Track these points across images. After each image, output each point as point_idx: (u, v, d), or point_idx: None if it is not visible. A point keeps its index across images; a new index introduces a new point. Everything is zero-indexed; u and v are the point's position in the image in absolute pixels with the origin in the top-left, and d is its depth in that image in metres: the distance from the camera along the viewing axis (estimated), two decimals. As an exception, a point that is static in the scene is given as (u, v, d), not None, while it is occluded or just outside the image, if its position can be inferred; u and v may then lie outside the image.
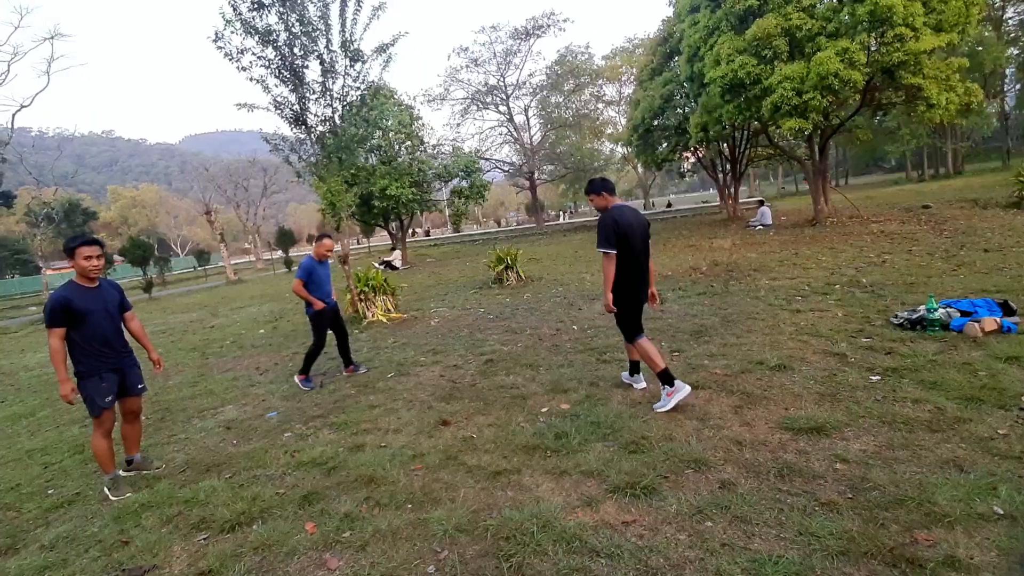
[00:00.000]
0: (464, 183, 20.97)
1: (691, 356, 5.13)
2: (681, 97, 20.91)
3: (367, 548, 2.74)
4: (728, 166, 22.04)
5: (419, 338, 7.44)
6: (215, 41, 7.81)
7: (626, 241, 3.96)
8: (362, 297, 9.01)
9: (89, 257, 3.68)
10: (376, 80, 9.06)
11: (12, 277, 38.20)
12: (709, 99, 15.65)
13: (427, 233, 55.01)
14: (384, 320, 8.72)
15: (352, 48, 8.59)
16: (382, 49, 8.88)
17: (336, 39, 8.45)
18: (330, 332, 5.97)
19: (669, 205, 42.44)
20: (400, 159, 19.59)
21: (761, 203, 17.99)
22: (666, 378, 3.94)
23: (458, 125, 32.54)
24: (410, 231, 26.61)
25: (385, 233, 25.13)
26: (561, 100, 33.75)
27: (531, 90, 33.64)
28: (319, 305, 5.74)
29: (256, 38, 7.87)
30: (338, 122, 8.70)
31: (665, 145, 21.85)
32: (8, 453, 5.04)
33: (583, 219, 48.23)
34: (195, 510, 3.39)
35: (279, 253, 30.87)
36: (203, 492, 3.60)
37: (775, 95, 12.50)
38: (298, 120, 8.33)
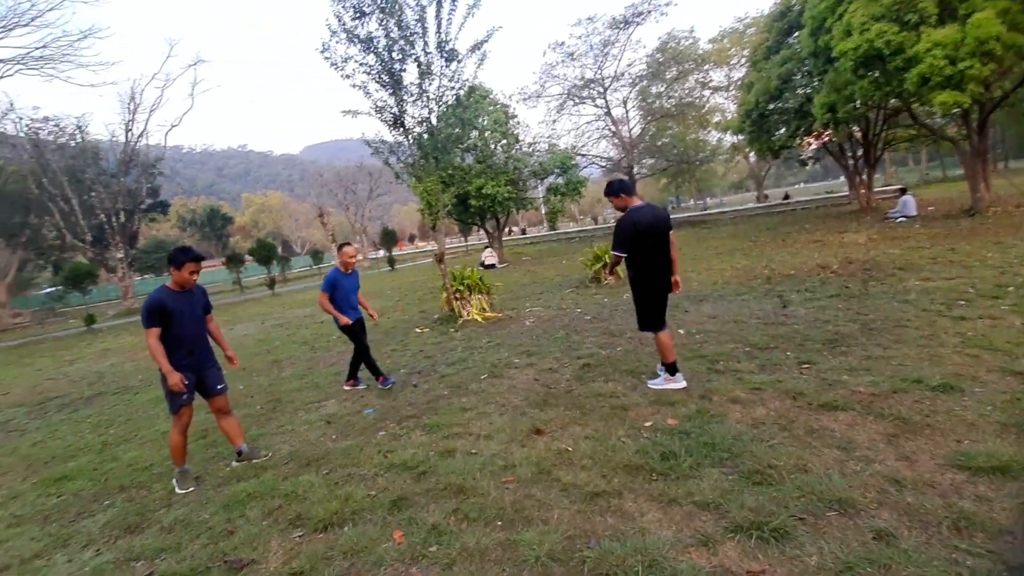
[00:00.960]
0: (560, 180, 20.66)
1: (825, 370, 4.40)
2: (802, 76, 18.89)
3: (454, 567, 2.55)
4: (860, 151, 19.55)
5: (513, 338, 7.27)
6: (322, 52, 8.22)
7: (644, 239, 4.24)
8: (457, 296, 9.05)
9: (194, 272, 3.99)
10: (471, 78, 9.04)
11: (168, 274, 44.19)
12: (838, 75, 13.90)
13: (523, 231, 55.36)
14: (479, 319, 8.68)
15: (447, 48, 8.64)
16: (477, 46, 8.84)
17: (432, 40, 8.55)
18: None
19: (787, 197, 38.82)
20: (496, 158, 19.73)
21: (903, 191, 15.71)
22: (672, 369, 4.45)
23: (554, 122, 32.02)
24: (506, 229, 26.80)
25: (483, 232, 25.54)
26: (663, 89, 32.16)
27: (630, 81, 32.42)
28: (344, 320, 5.60)
29: (358, 46, 8.19)
30: (434, 123, 8.80)
31: (783, 130, 19.88)
32: (148, 434, 5.59)
33: (686, 214, 45.77)
34: (294, 505, 3.44)
35: (383, 252, 32.73)
36: (302, 487, 3.66)
37: (922, 65, 10.74)
38: (396, 122, 8.54)
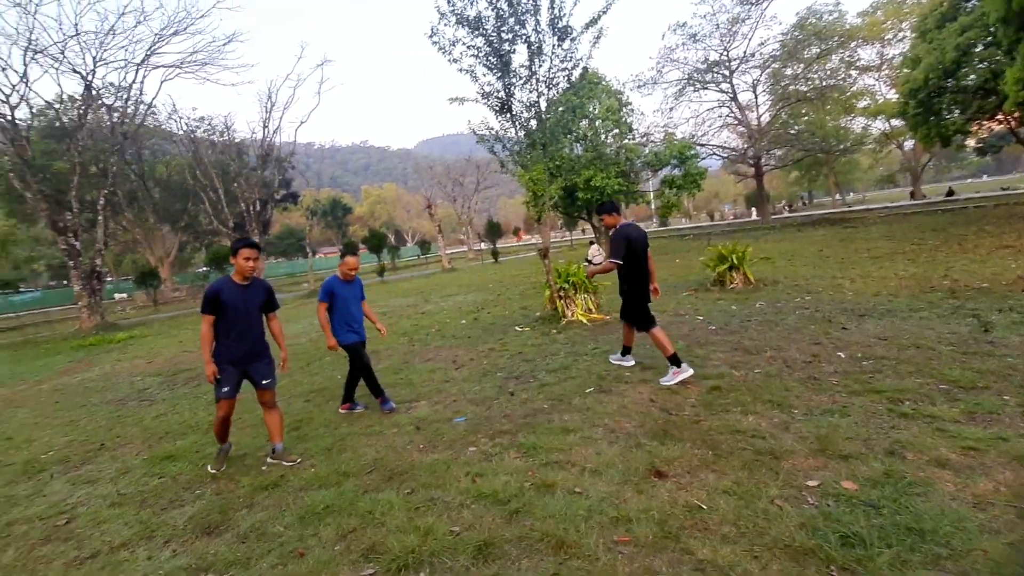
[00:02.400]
0: (677, 171, 19.10)
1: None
2: (986, 47, 15.58)
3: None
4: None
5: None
6: (430, 36, 7.94)
7: (634, 252, 5.07)
8: (561, 294, 8.37)
9: (248, 258, 3.92)
10: (585, 57, 8.26)
11: (297, 259, 48.71)
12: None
13: (631, 227, 53.00)
14: (584, 320, 7.95)
15: (560, 25, 7.96)
16: (593, 21, 8.06)
17: (544, 17, 7.93)
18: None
19: (950, 193, 33.07)
20: (607, 148, 18.68)
21: None
22: (675, 360, 4.77)
23: (671, 109, 29.87)
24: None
25: (588, 226, 24.62)
26: (799, 71, 28.70)
27: (761, 62, 29.36)
28: (332, 343, 4.88)
29: (466, 27, 7.80)
30: (543, 108, 8.17)
31: (957, 113, 16.59)
32: (250, 418, 5.59)
33: (821, 211, 40.89)
34: (369, 531, 3.01)
35: (487, 244, 33.05)
36: (380, 507, 3.23)
37: None
38: (503, 108, 8.03)
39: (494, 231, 31.33)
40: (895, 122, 34.82)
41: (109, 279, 35.26)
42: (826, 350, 5.24)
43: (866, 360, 4.81)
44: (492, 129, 8.37)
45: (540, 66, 8.15)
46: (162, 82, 38.88)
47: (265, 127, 22.07)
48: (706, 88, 30.46)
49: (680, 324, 7.26)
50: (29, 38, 15.05)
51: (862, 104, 33.07)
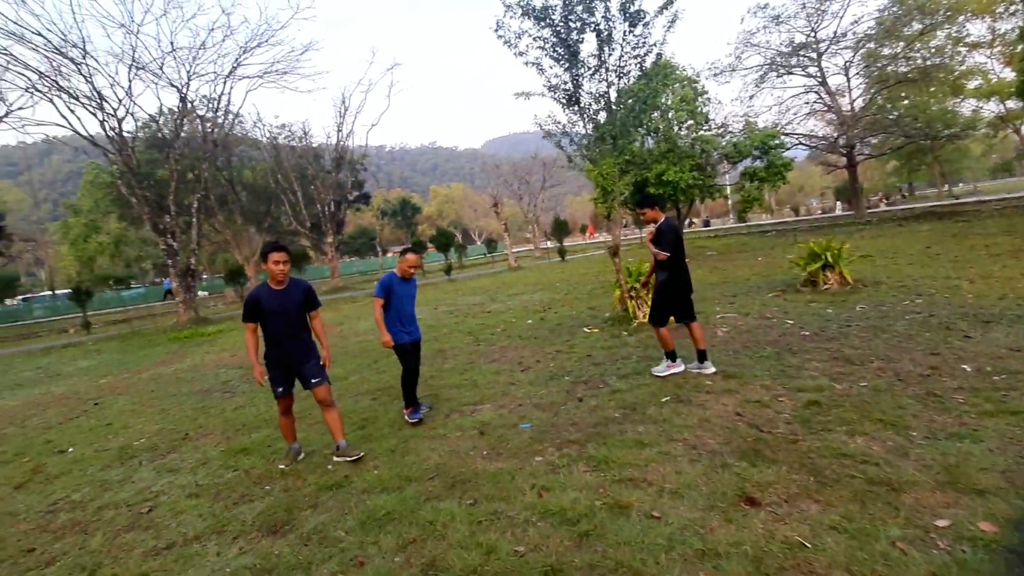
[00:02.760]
0: (758, 163, 17.86)
1: None
2: None
3: None
4: None
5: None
6: (496, 30, 7.76)
7: (678, 244, 5.13)
8: (632, 294, 7.95)
9: (277, 262, 3.93)
10: (659, 43, 7.77)
11: (369, 257, 50.67)
12: None
13: (706, 223, 50.72)
14: (656, 322, 7.48)
15: (632, 9, 7.54)
16: (667, 4, 7.57)
17: (615, 2, 7.53)
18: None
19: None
20: (681, 140, 17.79)
21: None
22: (672, 356, 5.20)
23: (751, 97, 27.94)
24: (687, 221, 24.51)
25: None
26: (898, 50, 26.05)
27: (854, 42, 26.87)
28: (387, 341, 4.73)
29: (532, 18, 7.55)
30: (613, 99, 7.78)
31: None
32: (317, 415, 5.68)
33: (926, 203, 37.03)
34: (430, 543, 2.86)
35: (552, 243, 32.71)
36: (442, 518, 3.07)
37: None
38: (571, 100, 7.73)
39: (561, 229, 30.91)
40: (1011, 103, 30.89)
41: (204, 277, 38.41)
42: (947, 362, 4.53)
43: (997, 375, 4.10)
44: (559, 123, 8.09)
45: (610, 55, 7.78)
46: (247, 92, 42.27)
47: (339, 131, 23.10)
48: (791, 73, 28.32)
49: (767, 328, 6.65)
50: (133, 56, 16.55)
51: (972, 84, 29.51)
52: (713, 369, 5.10)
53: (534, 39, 7.69)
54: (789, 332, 6.28)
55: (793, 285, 9.10)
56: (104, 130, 16.03)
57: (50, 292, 46.75)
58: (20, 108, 17.50)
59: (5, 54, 14.88)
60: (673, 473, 3.24)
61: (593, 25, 7.63)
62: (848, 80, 28.43)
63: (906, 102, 27.14)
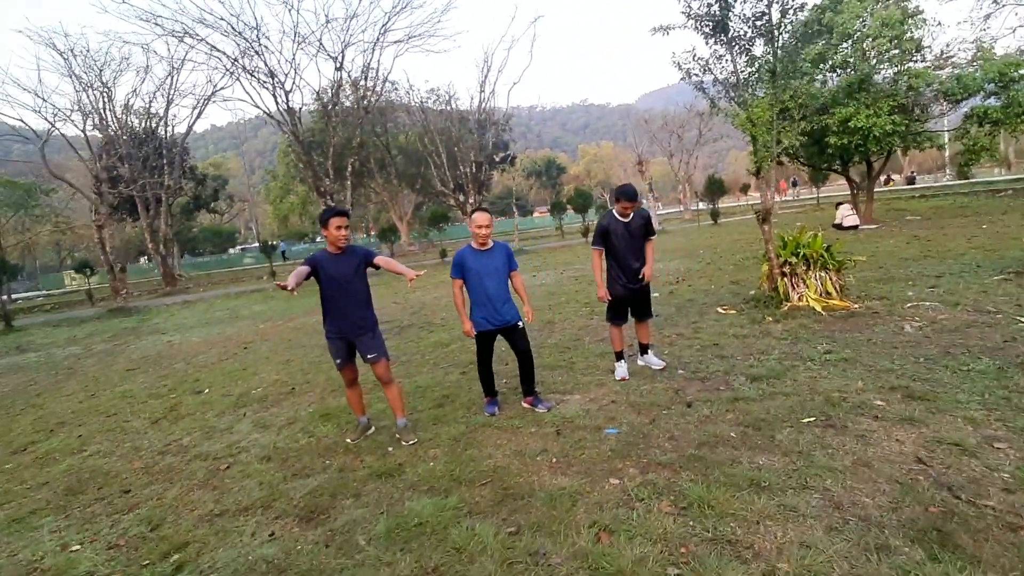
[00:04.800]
0: (993, 101, 13.59)
1: None
2: None
3: None
4: None
5: (876, 352, 4.48)
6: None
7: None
8: (786, 270, 6.39)
9: (340, 227, 3.68)
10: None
11: (510, 217, 51.32)
12: None
13: (910, 180, 41.52)
14: (817, 308, 5.92)
15: None
16: None
17: None
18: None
19: None
20: (880, 76, 14.22)
21: None
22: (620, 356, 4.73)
23: (987, 17, 21.29)
24: (881, 178, 20.12)
25: (843, 181, 19.82)
26: None
27: None
28: (466, 330, 4.07)
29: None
30: (775, 20, 6.04)
31: None
32: (406, 384, 5.49)
33: None
34: (455, 568, 2.32)
35: (708, 204, 29.45)
36: (473, 545, 2.52)
37: None
38: (717, 27, 6.17)
39: (715, 189, 27.61)
40: None
41: (367, 235, 42.62)
42: None
43: None
44: (701, 59, 6.62)
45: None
46: (394, 58, 44.19)
47: (481, 91, 23.06)
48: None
49: (986, 328, 4.77)
50: (295, 30, 18.02)
51: None
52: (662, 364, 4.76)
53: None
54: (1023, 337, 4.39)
55: (1037, 266, 6.56)
56: (276, 103, 18.09)
57: (257, 244, 56.24)
58: (223, 88, 20.42)
59: (206, 43, 17.45)
60: (797, 545, 2.23)
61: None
62: None
63: None
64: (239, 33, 17.26)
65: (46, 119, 18.16)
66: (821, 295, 6.16)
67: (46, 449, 4.81)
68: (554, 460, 3.32)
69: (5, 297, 24.23)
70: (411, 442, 3.82)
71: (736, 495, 2.63)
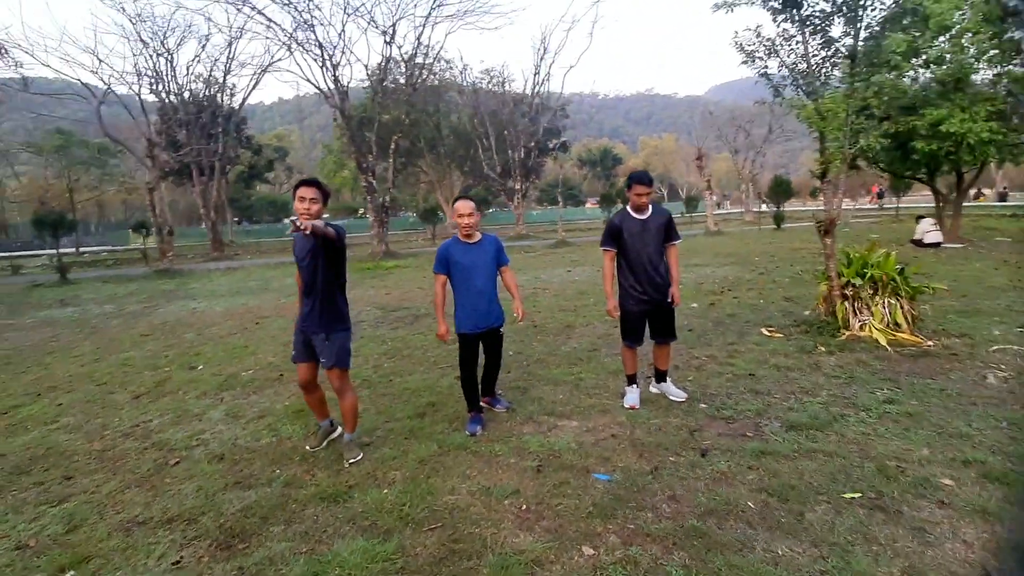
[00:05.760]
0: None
1: None
2: None
3: None
4: None
5: (949, 408, 3.61)
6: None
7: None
8: (848, 293, 5.47)
9: (303, 199, 3.08)
10: None
11: (567, 207, 50.28)
12: None
13: (1001, 197, 37.48)
14: (882, 342, 4.99)
15: None
16: None
17: None
18: None
19: None
20: (979, 76, 12.49)
21: None
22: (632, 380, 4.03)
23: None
24: (971, 191, 18.05)
25: (928, 191, 17.88)
26: None
27: None
28: (440, 333, 3.71)
29: None
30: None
31: None
32: (384, 387, 5.02)
33: None
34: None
35: (769, 206, 27.52)
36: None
37: None
38: (788, 2, 5.25)
39: (781, 190, 25.65)
40: None
41: (410, 214, 42.75)
42: None
43: None
44: (767, 41, 5.69)
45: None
46: (447, 34, 43.47)
47: (536, 74, 22.24)
48: None
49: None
50: (345, 1, 17.73)
51: None
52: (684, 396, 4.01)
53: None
54: None
55: None
56: (324, 78, 18.04)
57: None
58: (279, 60, 20.60)
59: (263, 15, 17.56)
60: None
61: None
62: None
63: None
64: (291, 3, 17.24)
65: (103, 80, 18.76)
66: (888, 326, 5.21)
67: (23, 416, 4.67)
68: (524, 507, 2.75)
69: (73, 249, 25.91)
70: (353, 459, 3.33)
71: (740, 602, 1.97)
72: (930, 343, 4.99)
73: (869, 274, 5.38)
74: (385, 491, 2.99)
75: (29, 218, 24.24)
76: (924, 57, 12.94)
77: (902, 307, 5.26)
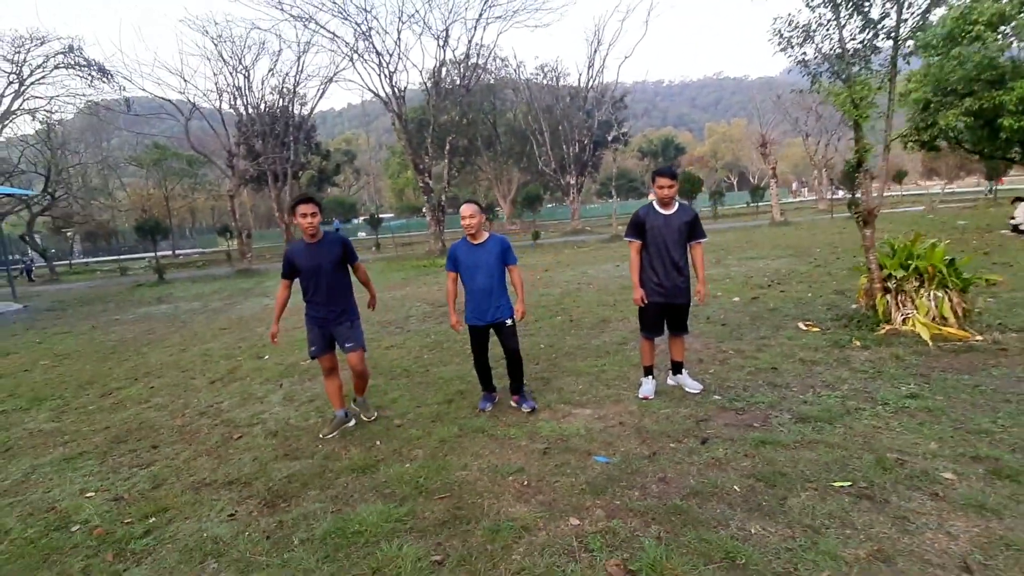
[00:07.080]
0: None
1: None
2: None
3: None
4: None
5: (977, 404, 3.50)
6: None
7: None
8: (890, 286, 5.27)
9: (304, 215, 3.61)
10: None
11: (628, 200, 49.32)
12: None
13: None
14: (924, 336, 4.79)
15: None
16: None
17: None
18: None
19: None
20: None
21: None
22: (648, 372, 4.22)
23: None
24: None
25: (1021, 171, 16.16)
26: None
27: None
28: (452, 323, 4.18)
29: None
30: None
31: None
32: (405, 377, 5.42)
33: None
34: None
35: (844, 193, 25.71)
36: (395, 564, 2.35)
37: None
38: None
39: (854, 177, 23.87)
40: None
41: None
42: None
43: None
44: (802, 27, 5.54)
45: None
46: (498, 34, 43.66)
47: (590, 66, 22.10)
48: None
49: None
50: (400, 9, 18.53)
51: None
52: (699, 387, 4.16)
53: None
54: None
55: None
56: (381, 84, 18.98)
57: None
58: (342, 70, 21.81)
59: (326, 30, 18.74)
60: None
61: None
62: None
63: None
64: (350, 18, 18.28)
65: (189, 100, 20.70)
66: (934, 320, 4.98)
67: (124, 396, 5.50)
68: (524, 483, 3.03)
69: (169, 252, 28.93)
70: (372, 417, 4.07)
71: (696, 570, 2.16)
72: (979, 337, 4.73)
73: (913, 265, 5.15)
74: (407, 465, 3.37)
75: (133, 224, 27.32)
76: (1014, 24, 11.79)
77: (950, 300, 5.01)
